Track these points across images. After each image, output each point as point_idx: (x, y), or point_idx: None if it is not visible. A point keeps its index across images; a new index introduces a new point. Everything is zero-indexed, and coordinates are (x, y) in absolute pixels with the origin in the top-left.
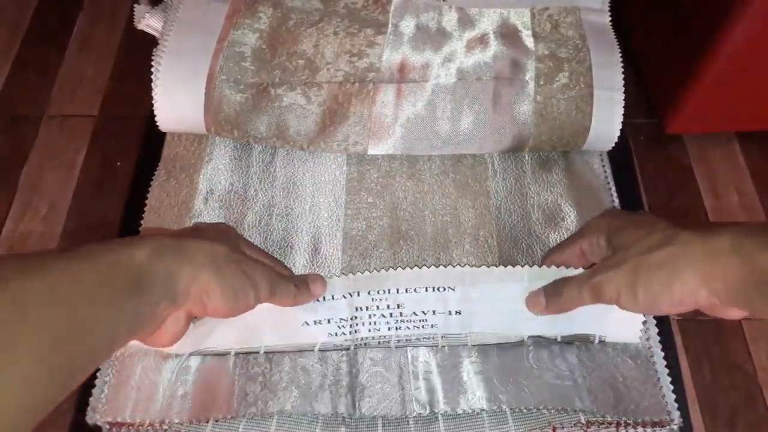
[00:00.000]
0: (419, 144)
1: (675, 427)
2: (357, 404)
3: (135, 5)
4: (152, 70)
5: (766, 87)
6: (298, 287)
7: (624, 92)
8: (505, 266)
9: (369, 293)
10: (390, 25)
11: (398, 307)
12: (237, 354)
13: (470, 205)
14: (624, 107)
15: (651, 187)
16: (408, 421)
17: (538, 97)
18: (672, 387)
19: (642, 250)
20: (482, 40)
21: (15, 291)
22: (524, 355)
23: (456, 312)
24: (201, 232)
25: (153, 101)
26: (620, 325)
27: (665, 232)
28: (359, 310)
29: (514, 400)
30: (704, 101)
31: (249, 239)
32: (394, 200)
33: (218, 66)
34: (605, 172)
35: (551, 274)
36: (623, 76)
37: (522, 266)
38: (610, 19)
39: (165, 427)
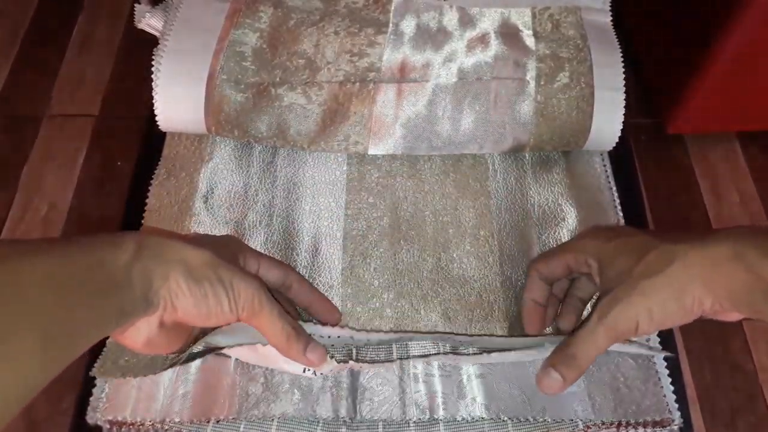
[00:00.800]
0: (420, 144)
1: (675, 427)
2: (358, 407)
3: (135, 5)
4: (152, 69)
5: (767, 87)
6: (297, 334)
7: (625, 92)
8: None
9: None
10: (391, 25)
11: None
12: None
13: (471, 205)
14: (625, 107)
15: (652, 186)
16: (408, 424)
17: (538, 96)
18: (672, 387)
19: (646, 274)
20: (483, 40)
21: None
22: (524, 359)
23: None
24: (196, 238)
25: (153, 101)
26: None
27: (661, 249)
28: (361, 348)
29: (512, 409)
30: (705, 101)
31: (249, 239)
32: (395, 200)
33: (219, 65)
34: (606, 171)
35: (535, 344)
36: (624, 75)
37: (507, 351)
38: (611, 18)
39: (165, 426)
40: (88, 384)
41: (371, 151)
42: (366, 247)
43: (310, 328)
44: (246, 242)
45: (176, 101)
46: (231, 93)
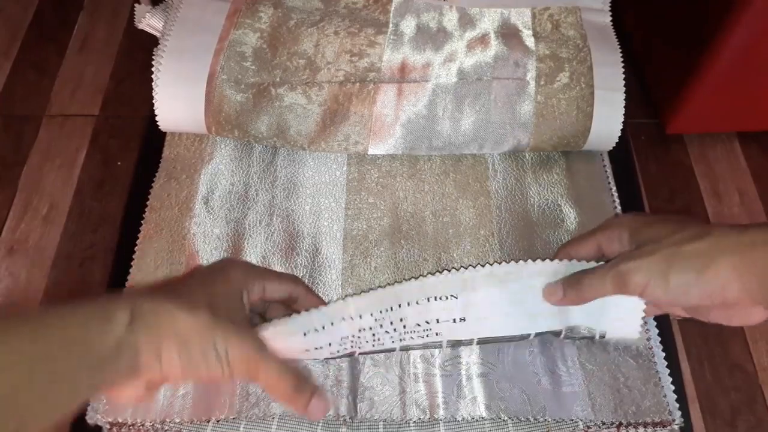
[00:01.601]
0: (420, 144)
1: (676, 427)
2: (358, 406)
3: (135, 5)
4: (153, 69)
5: (767, 87)
6: (301, 384)
7: (625, 92)
8: (508, 262)
9: (372, 314)
10: (391, 25)
11: (401, 320)
12: None
13: (471, 204)
14: (625, 107)
15: (652, 187)
16: (408, 423)
17: (538, 97)
18: (673, 387)
19: (676, 241)
20: (483, 40)
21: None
22: (525, 358)
23: (461, 319)
24: (193, 285)
25: (153, 101)
26: (621, 322)
27: (699, 226)
28: (362, 330)
29: (513, 409)
30: (705, 101)
31: (249, 239)
32: (395, 200)
33: (219, 65)
34: (606, 172)
35: (553, 267)
36: (624, 76)
37: (525, 261)
38: (611, 19)
39: (166, 427)
40: None
41: (371, 151)
42: (366, 247)
43: (314, 316)
44: (246, 242)
45: (176, 101)
46: (231, 93)
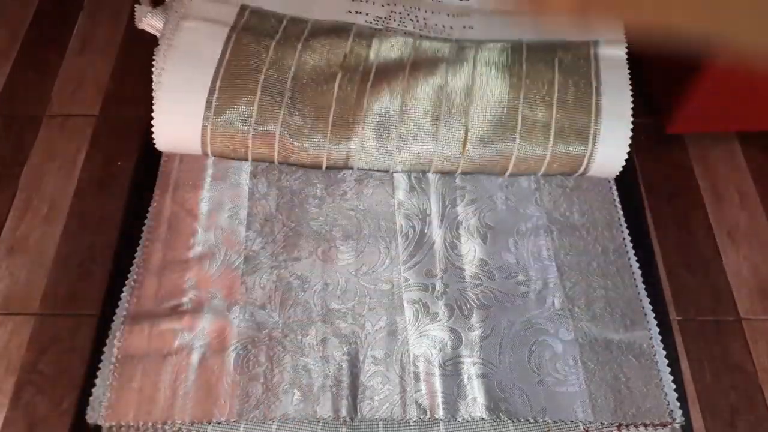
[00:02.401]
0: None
1: (677, 426)
2: (358, 406)
3: (136, 5)
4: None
5: (767, 87)
6: None
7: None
8: None
9: (404, 6)
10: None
11: (424, 20)
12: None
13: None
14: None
15: (651, 186)
16: (408, 423)
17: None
18: (674, 386)
19: None
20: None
21: None
22: (526, 358)
23: (470, 27)
24: None
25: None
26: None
27: None
28: (393, 13)
29: (513, 410)
30: (705, 101)
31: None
32: None
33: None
34: None
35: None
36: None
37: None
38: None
39: (167, 427)
40: (88, 384)
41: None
42: None
43: None
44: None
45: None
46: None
